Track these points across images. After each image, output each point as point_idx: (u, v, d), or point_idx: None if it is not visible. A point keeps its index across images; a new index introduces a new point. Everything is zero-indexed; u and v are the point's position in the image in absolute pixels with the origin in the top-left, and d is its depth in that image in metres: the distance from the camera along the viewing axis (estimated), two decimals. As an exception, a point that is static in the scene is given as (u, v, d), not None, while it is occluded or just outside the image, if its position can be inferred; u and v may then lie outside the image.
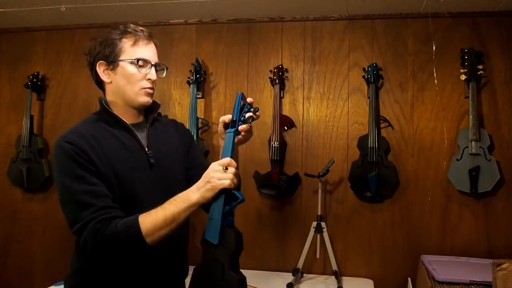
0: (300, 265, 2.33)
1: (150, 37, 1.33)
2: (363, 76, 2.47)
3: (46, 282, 2.42)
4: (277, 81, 2.54)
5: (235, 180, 1.19)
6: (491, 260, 1.65)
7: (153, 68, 1.31)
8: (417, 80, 2.47)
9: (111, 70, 1.29)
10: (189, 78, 2.62)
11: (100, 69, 1.30)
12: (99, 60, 1.29)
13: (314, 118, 2.58)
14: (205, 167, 1.24)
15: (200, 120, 2.62)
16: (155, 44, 1.35)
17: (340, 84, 2.56)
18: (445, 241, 2.38)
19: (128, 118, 1.32)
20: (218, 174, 1.17)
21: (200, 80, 2.62)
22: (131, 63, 1.27)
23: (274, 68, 2.56)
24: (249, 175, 2.58)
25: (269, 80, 2.60)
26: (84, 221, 1.13)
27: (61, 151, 1.20)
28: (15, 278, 2.86)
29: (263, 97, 2.64)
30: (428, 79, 2.45)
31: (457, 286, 1.92)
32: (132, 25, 1.31)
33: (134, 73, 1.28)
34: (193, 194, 1.16)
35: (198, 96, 2.64)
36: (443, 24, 2.43)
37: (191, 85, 2.61)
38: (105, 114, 1.30)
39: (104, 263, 1.21)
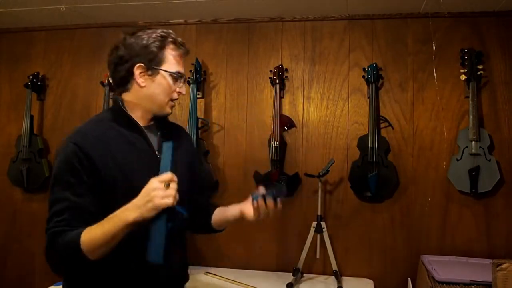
0: (300, 265, 2.33)
1: (186, 54, 1.37)
2: (363, 76, 2.48)
3: (46, 282, 2.42)
4: (277, 81, 2.54)
5: (177, 196, 1.13)
6: (491, 260, 1.66)
7: (184, 83, 1.36)
8: (417, 80, 2.47)
9: (149, 76, 1.29)
10: (189, 78, 2.62)
11: (137, 71, 1.29)
12: (138, 62, 1.28)
13: (314, 118, 2.58)
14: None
15: (200, 120, 2.62)
16: None
17: (340, 84, 2.56)
18: (445, 241, 2.38)
19: (142, 121, 1.32)
20: (159, 192, 1.10)
21: (200, 80, 2.62)
22: (171, 75, 1.30)
23: (274, 68, 2.56)
24: (249, 175, 2.58)
25: (269, 80, 2.60)
26: (48, 226, 1.16)
27: (64, 151, 1.20)
28: (15, 278, 2.87)
29: (263, 97, 2.64)
30: (428, 79, 2.45)
31: (457, 286, 1.92)
32: (171, 34, 1.32)
33: (170, 85, 1.31)
34: (131, 213, 1.10)
35: (198, 96, 2.64)
36: (443, 24, 2.44)
37: (191, 85, 2.61)
38: (119, 114, 1.30)
39: (103, 265, 1.20)
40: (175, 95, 1.33)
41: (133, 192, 1.20)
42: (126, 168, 1.22)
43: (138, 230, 1.12)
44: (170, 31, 1.33)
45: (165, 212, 1.11)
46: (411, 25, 2.49)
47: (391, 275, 2.43)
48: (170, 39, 1.30)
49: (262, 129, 2.62)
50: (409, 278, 2.33)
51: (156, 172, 1.21)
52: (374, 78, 2.43)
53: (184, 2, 2.42)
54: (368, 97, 2.47)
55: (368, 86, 2.46)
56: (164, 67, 1.29)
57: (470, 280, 1.91)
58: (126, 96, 1.32)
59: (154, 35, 1.29)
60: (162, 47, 1.29)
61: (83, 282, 1.26)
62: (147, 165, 1.26)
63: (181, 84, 1.33)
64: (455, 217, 2.38)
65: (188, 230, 1.49)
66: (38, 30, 2.90)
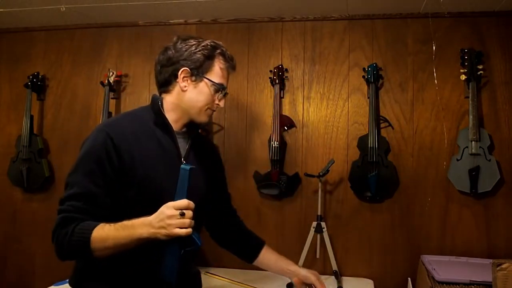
0: (300, 265, 2.32)
1: (233, 70, 1.41)
2: (363, 76, 2.48)
3: (46, 282, 2.42)
4: (277, 81, 2.54)
5: (192, 224, 1.13)
6: (491, 260, 1.65)
7: (224, 97, 1.38)
8: (417, 80, 2.47)
9: (193, 81, 1.32)
10: (189, 78, 2.62)
11: (182, 75, 1.32)
12: (186, 66, 1.32)
13: (314, 118, 2.58)
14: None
15: (200, 120, 2.61)
16: None
17: (340, 84, 2.56)
18: (445, 241, 2.38)
19: (175, 125, 1.35)
20: (174, 221, 1.10)
21: (200, 80, 2.62)
22: (213, 85, 1.33)
23: (274, 68, 2.56)
24: (249, 175, 2.58)
25: (269, 80, 2.60)
26: (60, 208, 1.18)
27: (96, 137, 1.22)
28: (15, 278, 2.86)
29: (263, 97, 2.64)
30: (428, 79, 2.45)
31: (457, 286, 1.92)
32: (221, 47, 1.37)
33: (211, 94, 1.34)
34: (145, 231, 1.12)
35: (198, 96, 2.63)
36: (443, 24, 2.44)
37: (191, 85, 2.61)
38: (156, 114, 1.32)
39: (110, 262, 1.21)
40: (214, 106, 1.36)
41: (153, 190, 1.24)
42: (150, 168, 1.24)
43: (153, 246, 1.14)
44: (220, 43, 1.38)
45: (180, 239, 1.10)
46: (411, 25, 2.49)
47: (391, 275, 2.43)
48: (219, 51, 1.35)
49: (262, 129, 2.62)
50: (409, 278, 2.33)
51: (177, 177, 1.23)
52: (374, 78, 2.43)
53: (184, 2, 2.42)
54: (368, 97, 2.47)
55: (368, 86, 2.46)
56: (208, 75, 1.32)
57: (470, 280, 1.91)
58: (167, 97, 1.35)
59: (204, 43, 1.34)
60: (211, 57, 1.33)
61: (96, 272, 1.26)
62: (171, 168, 1.28)
63: (221, 96, 1.36)
64: (455, 217, 2.38)
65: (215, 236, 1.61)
66: (38, 30, 2.90)
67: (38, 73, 2.84)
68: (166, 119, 1.32)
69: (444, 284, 1.93)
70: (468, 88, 2.32)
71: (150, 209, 1.19)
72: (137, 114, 1.35)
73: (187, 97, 1.32)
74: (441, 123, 2.41)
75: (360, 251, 2.48)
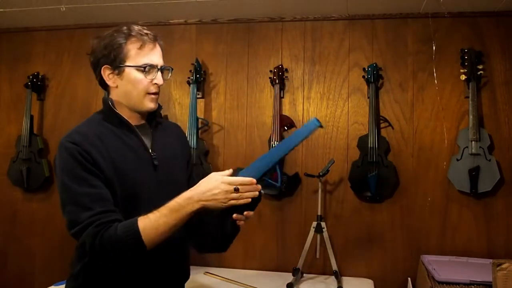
0: (300, 265, 2.32)
1: (155, 40, 1.30)
2: (363, 76, 2.47)
3: (46, 282, 2.42)
4: (277, 81, 2.54)
5: (248, 200, 1.16)
6: (491, 260, 1.66)
7: (159, 73, 1.28)
8: (417, 80, 2.47)
9: (117, 75, 1.27)
10: (189, 78, 2.62)
11: (105, 74, 1.28)
12: (104, 64, 1.27)
13: (314, 118, 2.57)
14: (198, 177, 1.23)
15: (200, 120, 2.62)
16: (160, 46, 1.32)
17: (340, 84, 2.56)
18: (445, 241, 2.38)
19: (132, 120, 1.31)
20: (229, 195, 1.14)
21: (200, 80, 2.62)
22: (137, 69, 1.25)
23: (274, 68, 2.56)
24: (249, 175, 2.57)
25: (269, 80, 2.60)
26: (83, 224, 1.12)
27: (65, 152, 1.19)
28: (15, 278, 2.86)
29: (263, 97, 2.64)
30: (428, 79, 2.45)
31: (457, 286, 1.92)
32: (136, 28, 1.27)
33: (140, 79, 1.26)
34: (196, 206, 1.14)
35: (198, 96, 2.64)
36: (443, 24, 2.43)
37: (191, 85, 2.61)
38: (110, 114, 1.29)
39: (105, 266, 1.21)
40: (150, 88, 1.27)
41: (128, 188, 1.22)
42: (121, 166, 1.22)
43: (153, 252, 1.15)
44: (134, 25, 1.28)
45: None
46: (411, 25, 2.49)
47: (391, 275, 2.43)
48: (132, 33, 1.25)
49: (262, 129, 2.62)
50: (409, 278, 2.33)
51: (149, 169, 1.24)
52: (374, 78, 2.43)
53: (184, 2, 2.42)
54: (368, 97, 2.47)
55: (368, 86, 2.46)
56: (128, 62, 1.25)
57: (470, 280, 1.91)
58: (111, 97, 1.32)
59: (115, 33, 1.26)
60: (123, 44, 1.25)
61: (86, 277, 1.26)
62: (141, 162, 1.27)
63: (155, 75, 1.27)
64: (455, 217, 2.38)
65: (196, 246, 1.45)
66: (38, 30, 2.90)
67: (38, 73, 2.84)
68: (121, 116, 1.28)
69: (444, 284, 1.93)
70: (468, 88, 2.32)
71: (126, 205, 1.20)
72: (93, 119, 1.32)
73: (122, 92, 1.28)
74: (441, 123, 2.41)
75: (360, 251, 2.48)
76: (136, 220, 1.13)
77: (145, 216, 1.14)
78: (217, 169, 2.64)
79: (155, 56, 1.28)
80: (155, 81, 1.28)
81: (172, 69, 1.37)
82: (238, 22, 2.68)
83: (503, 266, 1.58)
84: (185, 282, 1.44)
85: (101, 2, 2.44)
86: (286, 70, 2.59)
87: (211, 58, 2.70)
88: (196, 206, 1.14)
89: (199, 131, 2.61)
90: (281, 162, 1.18)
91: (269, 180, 1.18)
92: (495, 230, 2.33)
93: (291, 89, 2.61)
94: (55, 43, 2.90)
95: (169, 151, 1.38)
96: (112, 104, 1.29)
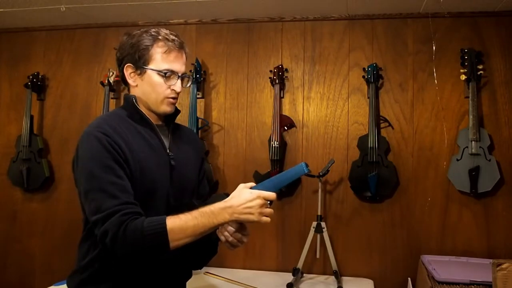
0: (300, 265, 2.33)
1: (181, 47, 1.32)
2: (363, 76, 2.47)
3: (46, 282, 2.42)
4: (277, 81, 2.54)
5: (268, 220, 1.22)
6: (491, 260, 1.65)
7: (179, 80, 1.31)
8: (417, 80, 2.47)
9: (138, 75, 1.30)
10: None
11: (127, 72, 1.31)
12: (127, 62, 1.30)
13: (314, 118, 2.58)
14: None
15: (200, 120, 2.62)
16: (185, 54, 1.34)
17: (340, 84, 2.56)
18: (445, 241, 2.38)
19: (151, 119, 1.33)
20: (263, 210, 1.19)
21: (200, 80, 2.62)
22: (158, 73, 1.28)
23: (274, 68, 2.56)
24: (249, 175, 2.57)
25: (269, 80, 2.60)
26: (109, 211, 1.12)
27: (95, 140, 1.19)
28: (15, 278, 2.86)
29: (263, 97, 2.64)
30: (428, 79, 2.45)
31: (457, 286, 1.92)
32: (163, 32, 1.29)
33: (160, 83, 1.28)
34: (228, 217, 1.17)
35: (198, 96, 2.64)
36: (443, 24, 2.44)
37: (191, 85, 2.61)
38: (132, 111, 1.31)
39: (117, 259, 1.20)
40: (169, 93, 1.30)
41: (147, 185, 1.23)
42: (143, 163, 1.24)
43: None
44: (162, 29, 1.31)
45: None
46: (411, 25, 2.49)
47: (391, 275, 2.43)
48: (157, 36, 1.28)
49: (262, 129, 2.62)
50: (409, 278, 2.33)
51: (166, 169, 1.26)
52: (374, 78, 2.43)
53: (184, 2, 2.42)
54: (368, 97, 2.47)
55: (368, 86, 2.46)
56: (151, 65, 1.28)
57: (470, 280, 1.91)
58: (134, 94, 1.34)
59: (144, 34, 1.29)
60: (149, 46, 1.27)
61: (93, 271, 1.26)
62: (160, 160, 1.29)
63: (175, 81, 1.30)
64: (455, 217, 2.38)
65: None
66: (38, 30, 2.90)
67: (38, 73, 2.84)
68: (144, 113, 1.31)
69: (444, 284, 1.93)
70: (468, 88, 2.32)
71: (142, 201, 1.20)
72: (115, 114, 1.33)
73: (141, 92, 1.31)
74: (441, 123, 2.41)
75: (360, 251, 2.48)
76: (165, 218, 1.13)
77: (176, 216, 1.14)
78: (217, 169, 2.64)
79: (177, 63, 1.31)
80: (173, 88, 1.30)
81: (192, 78, 1.38)
82: (238, 22, 2.68)
83: (503, 266, 1.58)
84: (187, 281, 1.45)
85: (101, 2, 2.44)
86: (286, 70, 2.59)
87: (211, 58, 2.71)
88: (228, 217, 1.16)
89: (199, 131, 2.61)
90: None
91: None
92: (495, 230, 2.33)
93: (291, 89, 2.61)
94: (55, 43, 2.90)
95: (184, 154, 1.40)
96: (136, 101, 1.31)
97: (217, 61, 2.70)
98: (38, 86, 2.83)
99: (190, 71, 2.62)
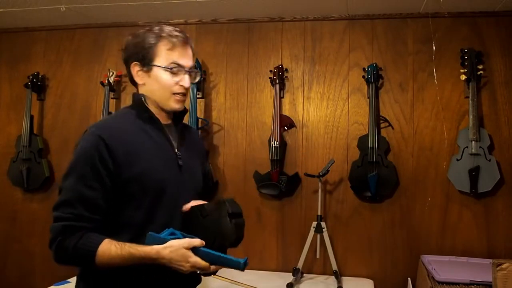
0: (300, 265, 2.33)
1: (186, 42, 1.31)
2: (363, 76, 2.48)
3: (46, 282, 2.42)
4: (277, 81, 2.54)
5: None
6: (491, 260, 1.66)
7: (186, 75, 1.30)
8: (417, 80, 2.47)
9: (145, 72, 1.29)
10: (189, 78, 2.62)
11: (134, 70, 1.30)
12: (133, 61, 1.29)
13: (314, 118, 2.58)
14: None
15: (200, 120, 2.62)
16: (191, 48, 1.34)
17: (340, 84, 2.56)
18: (445, 241, 2.38)
19: (160, 118, 1.33)
20: (194, 269, 1.17)
21: (200, 80, 2.62)
22: (165, 69, 1.27)
23: (274, 68, 2.56)
24: (249, 175, 2.58)
25: (269, 80, 2.60)
26: (59, 215, 1.16)
27: (88, 142, 1.20)
28: (15, 278, 2.87)
29: (263, 97, 2.64)
30: (428, 79, 2.45)
31: (457, 286, 1.92)
32: (167, 29, 1.29)
33: (166, 79, 1.28)
34: (161, 261, 1.16)
35: (198, 96, 2.64)
36: (443, 24, 2.44)
37: (191, 85, 2.60)
38: (140, 110, 1.31)
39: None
40: (177, 89, 1.30)
41: (155, 184, 1.24)
42: (147, 161, 1.24)
43: None
44: (167, 26, 1.30)
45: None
46: (411, 25, 2.49)
47: (391, 275, 2.43)
48: (163, 34, 1.28)
49: (262, 129, 2.62)
50: (409, 278, 2.33)
51: (175, 169, 1.27)
52: (374, 78, 2.43)
53: (184, 2, 2.42)
54: (368, 97, 2.47)
55: (368, 86, 2.46)
56: (156, 62, 1.27)
57: (470, 280, 1.91)
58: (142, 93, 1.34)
59: (148, 33, 1.29)
60: (154, 44, 1.27)
61: (98, 276, 1.26)
62: (168, 159, 1.29)
63: (182, 76, 1.30)
64: (455, 217, 2.38)
65: None
66: (38, 30, 2.90)
67: (38, 73, 2.84)
68: (152, 112, 1.30)
69: (444, 284, 1.93)
70: (468, 88, 2.32)
71: (152, 201, 1.22)
72: (123, 113, 1.34)
73: (149, 89, 1.30)
74: (441, 123, 2.41)
75: (360, 251, 2.48)
76: (100, 241, 1.15)
77: (111, 242, 1.16)
78: (217, 169, 2.64)
79: (183, 58, 1.30)
80: (181, 83, 1.30)
81: (201, 72, 1.38)
82: (238, 22, 2.68)
83: (503, 266, 1.58)
84: (196, 286, 1.45)
85: (101, 2, 2.44)
86: (286, 70, 2.59)
87: (211, 58, 2.70)
88: (157, 264, 1.16)
89: (199, 131, 2.61)
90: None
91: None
92: (495, 230, 2.33)
93: (291, 89, 2.61)
94: (55, 43, 2.90)
95: (191, 153, 1.40)
96: (145, 100, 1.31)
97: (217, 61, 2.70)
98: (38, 86, 2.83)
99: (190, 71, 2.62)
